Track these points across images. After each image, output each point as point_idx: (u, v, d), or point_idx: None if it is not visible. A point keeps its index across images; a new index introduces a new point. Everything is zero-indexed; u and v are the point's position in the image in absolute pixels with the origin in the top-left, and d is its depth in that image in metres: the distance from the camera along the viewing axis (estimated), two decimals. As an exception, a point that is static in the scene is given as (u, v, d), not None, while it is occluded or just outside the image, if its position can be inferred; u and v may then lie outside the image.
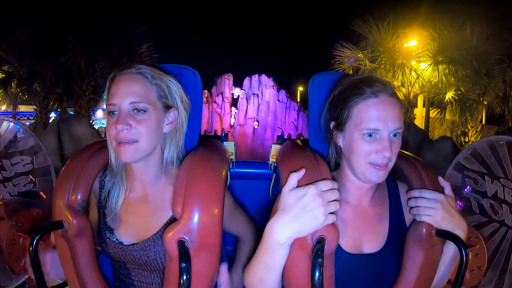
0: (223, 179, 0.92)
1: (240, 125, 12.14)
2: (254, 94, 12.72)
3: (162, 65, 1.08)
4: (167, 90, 0.97)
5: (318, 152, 1.01)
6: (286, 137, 1.48)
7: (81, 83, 9.70)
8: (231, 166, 1.38)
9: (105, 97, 0.98)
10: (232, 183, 1.36)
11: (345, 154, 0.97)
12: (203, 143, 1.08)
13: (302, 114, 12.54)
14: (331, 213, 0.81)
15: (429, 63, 8.86)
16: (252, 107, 12.53)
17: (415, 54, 9.12)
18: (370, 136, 0.89)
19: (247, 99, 12.64)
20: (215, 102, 12.60)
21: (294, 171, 0.85)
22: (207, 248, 0.86)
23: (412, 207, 0.94)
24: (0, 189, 1.99)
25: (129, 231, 0.99)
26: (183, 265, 0.81)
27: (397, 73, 9.03)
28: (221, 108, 12.57)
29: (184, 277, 0.80)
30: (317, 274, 0.78)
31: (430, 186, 0.95)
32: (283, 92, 12.84)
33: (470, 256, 1.46)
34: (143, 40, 10.55)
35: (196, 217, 0.84)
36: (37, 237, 0.87)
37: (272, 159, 1.38)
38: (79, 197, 0.95)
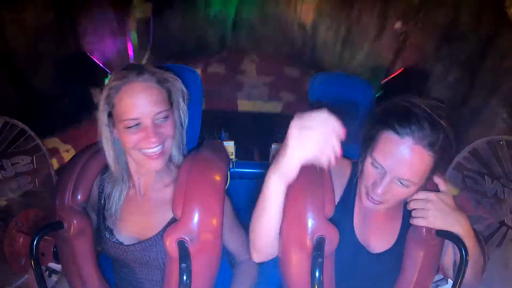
0: (223, 179, 0.92)
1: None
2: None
3: (162, 66, 1.07)
4: (172, 92, 0.95)
5: None
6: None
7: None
8: (231, 166, 1.37)
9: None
10: (232, 183, 1.35)
11: None
12: (203, 143, 1.08)
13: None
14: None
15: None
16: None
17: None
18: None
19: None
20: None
21: None
22: (207, 248, 0.86)
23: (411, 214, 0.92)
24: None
25: (129, 231, 0.99)
26: (183, 265, 0.81)
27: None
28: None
29: (184, 277, 0.80)
30: (317, 274, 0.78)
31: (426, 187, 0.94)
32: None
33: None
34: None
35: (196, 218, 0.85)
36: (37, 238, 0.87)
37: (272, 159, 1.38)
38: (79, 197, 0.95)
